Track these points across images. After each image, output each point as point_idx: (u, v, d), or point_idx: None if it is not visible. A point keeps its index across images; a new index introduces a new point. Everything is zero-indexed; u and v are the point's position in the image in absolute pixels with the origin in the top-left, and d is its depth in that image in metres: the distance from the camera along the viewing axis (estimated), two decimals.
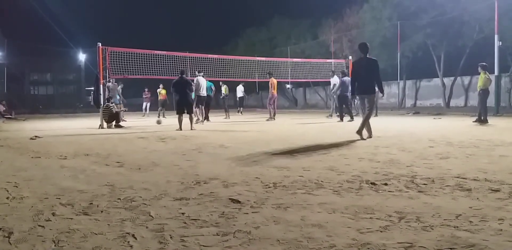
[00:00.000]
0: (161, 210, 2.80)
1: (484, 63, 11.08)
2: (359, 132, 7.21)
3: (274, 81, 14.58)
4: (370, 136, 7.33)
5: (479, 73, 11.18)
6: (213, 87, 14.90)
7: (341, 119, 12.86)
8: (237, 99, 21.63)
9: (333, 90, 14.84)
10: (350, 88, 12.72)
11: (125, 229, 2.38)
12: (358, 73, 7.48)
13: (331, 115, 15.38)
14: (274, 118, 14.52)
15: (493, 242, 2.06)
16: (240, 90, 20.75)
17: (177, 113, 10.57)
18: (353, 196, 3.11)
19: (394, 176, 3.80)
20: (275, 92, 14.73)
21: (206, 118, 14.35)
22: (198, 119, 13.24)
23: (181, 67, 14.36)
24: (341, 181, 3.62)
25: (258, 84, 25.62)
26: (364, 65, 7.40)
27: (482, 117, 10.83)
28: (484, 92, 10.92)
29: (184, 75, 10.65)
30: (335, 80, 14.80)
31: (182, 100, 10.40)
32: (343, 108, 13.20)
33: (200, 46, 35.51)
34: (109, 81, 13.97)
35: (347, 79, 13.12)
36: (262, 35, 35.71)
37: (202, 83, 13.02)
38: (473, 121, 10.95)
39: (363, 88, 7.42)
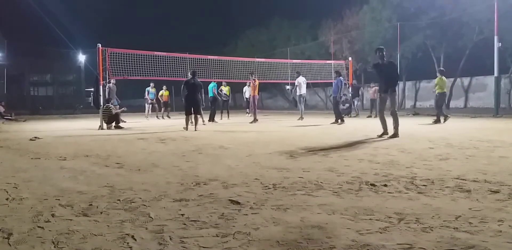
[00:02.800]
0: (160, 211, 2.79)
1: (442, 68, 12.74)
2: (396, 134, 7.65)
3: (257, 82, 14.20)
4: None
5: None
6: (214, 89, 14.95)
7: (342, 121, 12.43)
8: (245, 100, 21.39)
9: (301, 92, 14.92)
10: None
11: (124, 230, 2.37)
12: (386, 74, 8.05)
13: (302, 118, 15.18)
14: (257, 120, 14.07)
15: (493, 243, 2.06)
16: (248, 91, 20.68)
17: (186, 114, 10.79)
18: (353, 197, 3.11)
19: (394, 177, 3.80)
20: (256, 93, 14.22)
21: (212, 119, 14.37)
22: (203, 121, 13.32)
23: (181, 68, 14.39)
24: (340, 182, 3.62)
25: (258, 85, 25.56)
26: (388, 67, 8.01)
27: (439, 117, 11.81)
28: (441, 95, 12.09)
29: (196, 77, 10.74)
30: (298, 81, 14.84)
31: (191, 101, 10.57)
32: (336, 110, 12.72)
33: (200, 47, 35.50)
34: (109, 82, 13.99)
35: (341, 79, 12.87)
36: (262, 36, 35.71)
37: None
38: (432, 121, 11.80)
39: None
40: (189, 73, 11.05)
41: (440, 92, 12.05)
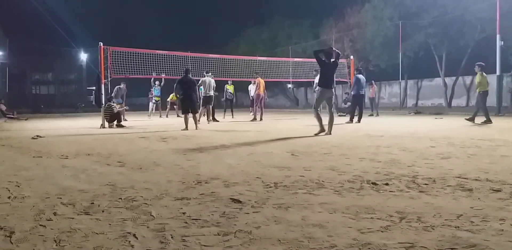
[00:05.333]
0: (162, 209, 2.80)
1: (482, 63, 11.17)
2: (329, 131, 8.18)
3: (260, 81, 14.30)
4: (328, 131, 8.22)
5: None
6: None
7: (351, 121, 11.97)
8: (250, 98, 21.38)
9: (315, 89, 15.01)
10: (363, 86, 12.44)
11: (126, 229, 2.38)
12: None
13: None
14: (262, 119, 14.16)
15: (494, 242, 2.05)
16: (253, 90, 20.66)
17: (182, 113, 10.66)
18: (354, 196, 3.11)
19: (395, 176, 3.79)
20: (261, 92, 14.29)
21: (213, 118, 14.39)
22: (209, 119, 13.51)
23: (182, 67, 14.41)
24: (342, 181, 3.61)
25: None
26: (331, 66, 8.57)
27: (488, 117, 10.68)
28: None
29: (189, 75, 10.64)
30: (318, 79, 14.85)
31: (187, 100, 10.39)
32: (355, 109, 12.19)
33: (202, 45, 35.51)
34: (120, 84, 14.27)
35: (362, 77, 12.50)
36: (263, 35, 35.74)
37: (210, 83, 12.89)
38: (481, 122, 10.53)
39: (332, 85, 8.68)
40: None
41: (484, 90, 10.76)
